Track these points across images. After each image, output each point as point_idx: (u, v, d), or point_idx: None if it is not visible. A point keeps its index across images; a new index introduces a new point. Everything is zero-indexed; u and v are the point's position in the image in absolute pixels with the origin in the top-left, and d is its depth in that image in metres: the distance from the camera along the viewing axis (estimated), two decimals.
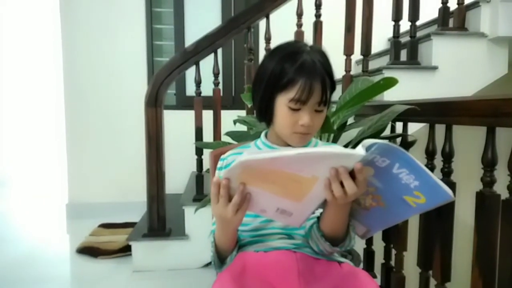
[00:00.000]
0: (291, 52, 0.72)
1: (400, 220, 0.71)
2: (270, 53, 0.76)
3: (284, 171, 0.61)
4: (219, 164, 0.85)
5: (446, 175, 1.04)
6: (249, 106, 1.84)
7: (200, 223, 1.95)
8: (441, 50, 1.82)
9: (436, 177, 0.61)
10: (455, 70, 1.82)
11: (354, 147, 1.28)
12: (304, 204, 0.67)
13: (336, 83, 0.78)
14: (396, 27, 1.83)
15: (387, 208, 0.69)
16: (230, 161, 0.83)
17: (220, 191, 0.65)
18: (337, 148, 0.60)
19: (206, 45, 1.93)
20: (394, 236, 1.26)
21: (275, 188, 0.64)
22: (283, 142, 0.80)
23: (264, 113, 0.78)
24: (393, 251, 1.28)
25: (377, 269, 1.40)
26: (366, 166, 0.62)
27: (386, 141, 0.58)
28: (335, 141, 1.38)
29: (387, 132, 1.32)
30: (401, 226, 1.22)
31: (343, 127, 1.36)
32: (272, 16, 1.97)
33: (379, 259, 1.38)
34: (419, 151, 1.12)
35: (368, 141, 0.59)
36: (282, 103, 0.73)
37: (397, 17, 1.80)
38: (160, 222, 1.94)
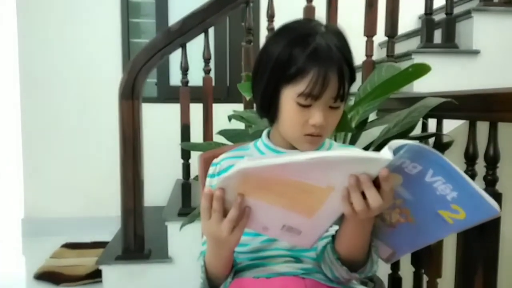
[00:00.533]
0: (302, 34, 0.72)
1: (433, 240, 0.71)
2: (276, 34, 0.76)
3: (292, 180, 0.61)
4: (211, 170, 0.85)
5: (490, 184, 1.04)
6: (248, 98, 1.84)
7: (187, 243, 1.94)
8: (484, 30, 1.82)
9: (479, 187, 0.61)
10: (501, 55, 1.82)
11: (377, 149, 1.28)
12: (317, 220, 0.67)
13: (356, 70, 0.78)
14: (429, 2, 1.83)
15: (417, 225, 0.69)
16: (224, 167, 0.83)
17: (213, 204, 0.64)
18: (358, 152, 0.60)
19: (195, 23, 1.93)
20: (426, 259, 1.26)
21: (281, 200, 0.64)
22: (289, 144, 0.80)
23: (266, 108, 0.78)
24: (425, 278, 1.28)
25: None
26: (393, 173, 0.62)
27: (417, 142, 0.59)
28: (353, 142, 1.39)
29: (417, 130, 1.32)
30: (434, 247, 1.22)
31: (363, 125, 1.36)
32: None
33: (407, 287, 1.38)
34: (456, 155, 1.12)
35: (396, 142, 0.59)
36: (289, 97, 0.73)
37: None
38: (138, 241, 1.94)
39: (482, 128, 1.07)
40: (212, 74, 2.08)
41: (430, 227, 0.68)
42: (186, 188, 2.05)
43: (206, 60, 2.02)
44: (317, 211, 0.66)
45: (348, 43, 0.75)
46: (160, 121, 2.90)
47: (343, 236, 0.74)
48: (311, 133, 0.74)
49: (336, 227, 0.75)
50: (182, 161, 2.05)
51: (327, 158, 0.59)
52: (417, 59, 1.78)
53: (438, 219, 0.65)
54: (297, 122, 0.74)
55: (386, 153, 0.58)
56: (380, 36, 1.83)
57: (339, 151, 0.61)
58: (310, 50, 0.70)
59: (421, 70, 1.13)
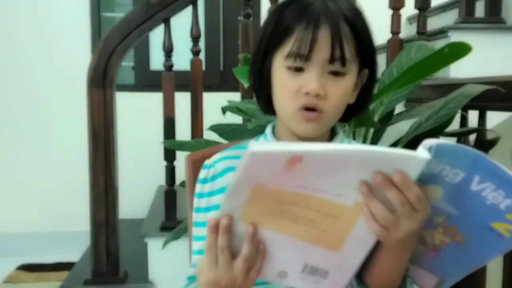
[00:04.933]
0: None
1: (488, 259, 0.71)
2: (277, 5, 0.79)
3: (312, 197, 0.60)
4: (203, 174, 0.85)
5: None
6: (246, 86, 1.84)
7: (171, 264, 1.94)
8: None
9: None
10: None
11: (406, 148, 1.28)
12: (345, 253, 0.65)
13: (378, 51, 0.78)
14: None
15: (466, 244, 0.69)
16: (219, 170, 0.83)
17: (218, 240, 0.63)
18: (383, 148, 0.59)
19: None
20: (465, 281, 1.26)
21: (299, 229, 0.63)
22: (300, 139, 0.80)
23: (258, 83, 0.80)
24: None
25: None
26: (431, 185, 0.63)
27: (460, 144, 0.59)
28: (376, 138, 1.39)
29: (454, 125, 1.32)
30: (476, 272, 1.22)
31: (388, 119, 1.36)
32: None
33: None
34: (503, 154, 1.12)
35: (429, 141, 0.59)
36: (279, 64, 0.75)
37: None
38: (111, 261, 1.94)
39: None
40: (202, 56, 2.08)
41: (482, 245, 0.68)
42: (170, 196, 2.05)
43: (195, 39, 2.01)
44: (344, 241, 0.65)
45: (360, 10, 0.77)
46: (138, 114, 2.90)
47: (376, 266, 0.73)
48: (306, 105, 0.73)
49: None
50: (165, 163, 2.05)
51: (345, 153, 0.58)
52: (455, 37, 1.78)
53: (492, 234, 0.65)
54: (288, 91, 0.74)
55: (421, 152, 0.57)
56: (409, 8, 1.82)
57: (360, 146, 0.59)
58: (300, 8, 0.73)
59: (460, 50, 1.12)
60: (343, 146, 0.58)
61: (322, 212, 0.61)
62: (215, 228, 0.63)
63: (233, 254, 0.64)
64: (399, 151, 0.58)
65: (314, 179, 0.59)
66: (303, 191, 0.60)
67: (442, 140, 0.59)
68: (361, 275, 0.76)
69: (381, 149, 0.58)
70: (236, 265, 0.64)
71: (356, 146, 0.59)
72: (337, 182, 0.59)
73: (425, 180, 0.62)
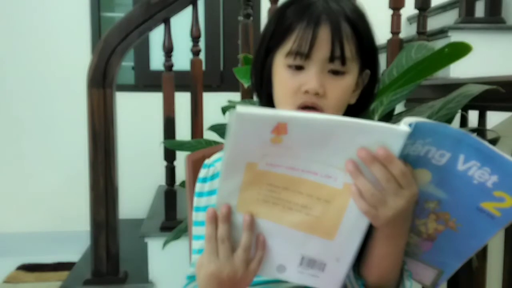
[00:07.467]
0: None
1: (482, 243, 0.70)
2: (282, 2, 0.80)
3: (302, 180, 0.61)
4: (202, 173, 0.85)
5: None
6: (246, 86, 1.85)
7: (171, 264, 1.95)
8: None
9: None
10: None
11: None
12: (340, 242, 0.65)
13: (378, 51, 0.78)
14: None
15: (460, 230, 0.68)
16: (219, 169, 0.83)
17: (218, 230, 0.64)
18: (368, 121, 0.59)
19: None
20: (466, 280, 1.26)
21: (294, 216, 0.63)
22: None
23: (259, 83, 0.81)
24: None
25: None
26: (419, 169, 0.63)
27: (442, 123, 0.59)
28: None
29: (455, 125, 1.32)
30: (477, 271, 1.22)
31: (388, 119, 1.36)
32: None
33: None
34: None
35: (411, 119, 0.59)
36: (280, 63, 0.76)
37: None
38: (111, 261, 1.94)
39: None
40: (202, 56, 2.08)
41: (475, 228, 0.68)
42: (170, 196, 2.05)
43: (195, 39, 2.01)
44: (338, 228, 0.65)
45: (362, 11, 0.77)
46: (138, 114, 2.90)
47: (371, 256, 0.73)
48: (304, 103, 0.74)
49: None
50: (165, 163, 2.05)
51: (328, 122, 0.58)
52: (455, 36, 1.78)
53: (483, 215, 0.65)
54: (288, 89, 0.75)
55: (402, 126, 0.58)
56: (409, 8, 1.82)
57: (342, 117, 0.59)
58: (302, 7, 0.73)
59: (460, 50, 1.12)
60: (326, 115, 0.59)
61: (314, 197, 0.62)
62: (214, 218, 0.64)
63: (233, 248, 0.65)
64: (381, 123, 0.59)
65: (302, 157, 0.60)
66: (294, 174, 0.61)
67: (423, 118, 0.59)
68: (358, 268, 0.76)
69: (363, 120, 0.59)
70: (237, 256, 0.65)
71: (339, 117, 0.59)
72: (325, 162, 0.60)
73: (412, 163, 0.62)
